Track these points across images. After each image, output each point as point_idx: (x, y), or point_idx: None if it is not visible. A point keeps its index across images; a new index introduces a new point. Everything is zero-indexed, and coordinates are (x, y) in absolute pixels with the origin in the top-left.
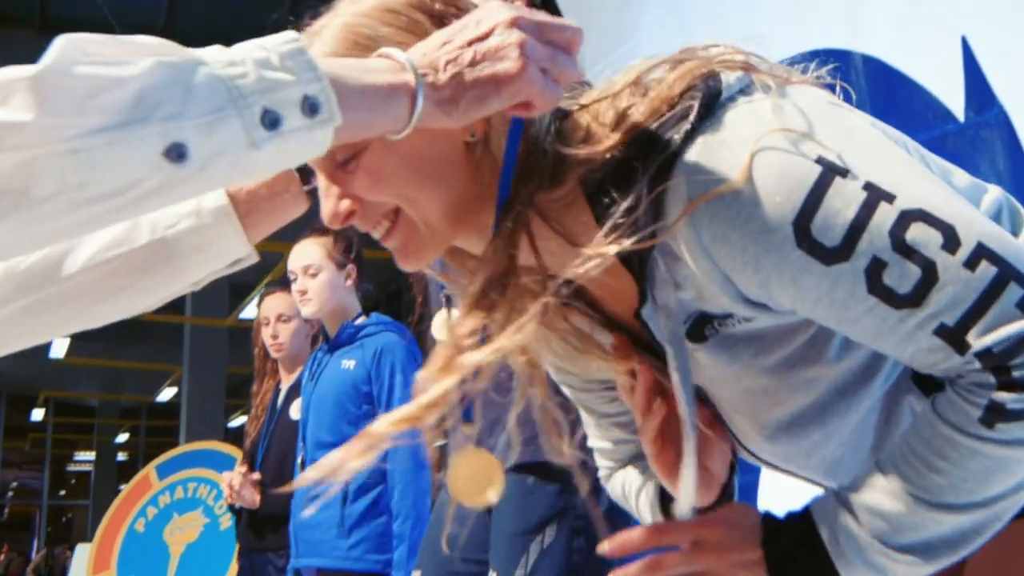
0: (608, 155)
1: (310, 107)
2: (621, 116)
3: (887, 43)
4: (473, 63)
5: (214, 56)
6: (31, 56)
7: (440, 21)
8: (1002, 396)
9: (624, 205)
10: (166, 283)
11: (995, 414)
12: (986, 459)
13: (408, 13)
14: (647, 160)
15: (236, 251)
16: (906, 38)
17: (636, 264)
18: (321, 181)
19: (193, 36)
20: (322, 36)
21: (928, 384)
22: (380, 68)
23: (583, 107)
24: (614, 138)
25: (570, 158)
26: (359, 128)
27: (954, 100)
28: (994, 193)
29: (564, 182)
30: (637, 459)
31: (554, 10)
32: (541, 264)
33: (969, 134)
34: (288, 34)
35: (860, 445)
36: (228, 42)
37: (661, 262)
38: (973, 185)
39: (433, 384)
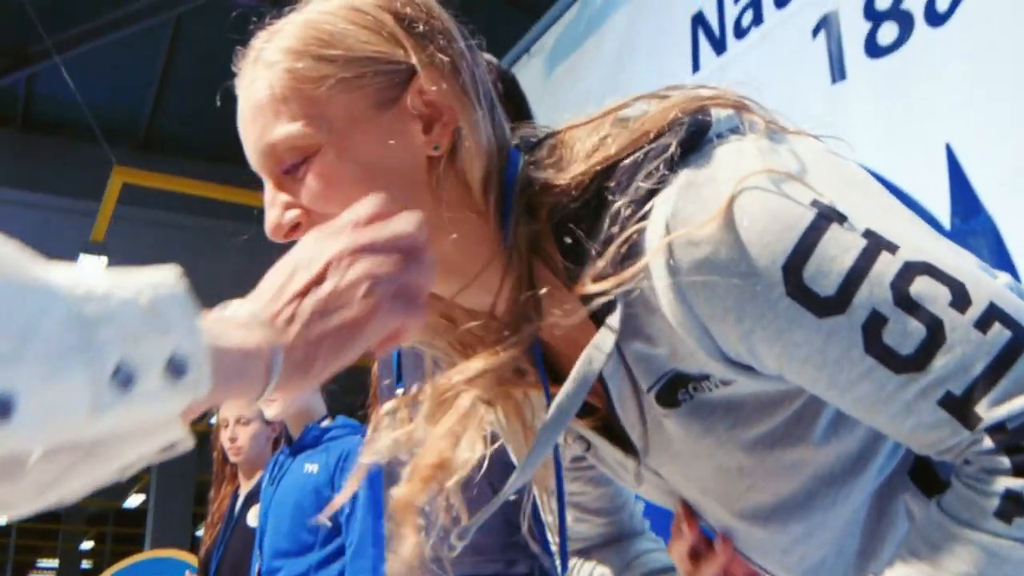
0: (580, 185)
1: (176, 368)
2: (599, 144)
3: (872, 150)
4: (318, 313)
5: (68, 284)
6: (13, 155)
7: (410, 26)
8: (1019, 483)
9: (596, 243)
10: (89, 462)
11: (1012, 505)
12: (1005, 563)
13: (375, 14)
14: (623, 193)
15: (169, 432)
16: (891, 146)
17: (602, 313)
18: (267, 189)
19: (174, 140)
20: (283, 32)
21: (927, 482)
22: (231, 326)
23: (558, 133)
24: (586, 166)
25: (538, 183)
26: (213, 398)
27: (940, 208)
28: (1004, 279)
29: (535, 210)
30: (599, 548)
31: (518, 97)
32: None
33: (956, 242)
34: (167, 272)
35: (845, 548)
36: (213, 155)
37: (623, 308)
38: (981, 267)
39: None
